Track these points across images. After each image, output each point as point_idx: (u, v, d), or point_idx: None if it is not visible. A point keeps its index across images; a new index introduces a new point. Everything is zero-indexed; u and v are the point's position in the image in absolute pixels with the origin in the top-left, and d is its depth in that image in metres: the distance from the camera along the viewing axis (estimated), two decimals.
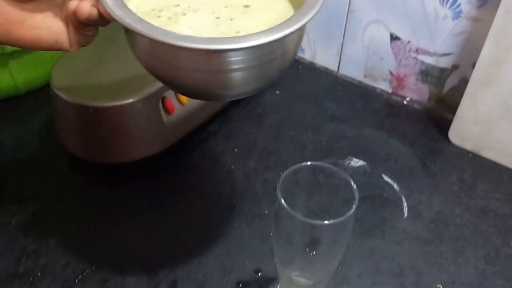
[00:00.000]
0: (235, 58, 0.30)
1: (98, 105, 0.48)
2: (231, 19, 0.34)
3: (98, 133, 0.50)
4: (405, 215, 0.51)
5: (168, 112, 0.52)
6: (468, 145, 0.59)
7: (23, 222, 0.48)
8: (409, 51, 0.62)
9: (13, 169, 0.54)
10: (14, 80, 0.61)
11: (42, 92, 0.65)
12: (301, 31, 0.33)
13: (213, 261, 0.45)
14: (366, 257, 0.46)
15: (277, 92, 0.68)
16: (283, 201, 0.31)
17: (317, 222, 0.30)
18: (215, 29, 0.33)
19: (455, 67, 0.60)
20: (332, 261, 0.34)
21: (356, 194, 0.32)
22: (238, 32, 0.33)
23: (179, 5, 0.35)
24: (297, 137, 0.60)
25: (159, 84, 0.50)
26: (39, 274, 0.44)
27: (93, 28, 0.34)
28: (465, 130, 0.58)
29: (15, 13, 0.32)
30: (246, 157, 0.57)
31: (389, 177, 0.55)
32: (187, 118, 0.55)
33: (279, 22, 0.31)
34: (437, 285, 0.44)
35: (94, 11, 0.31)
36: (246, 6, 0.35)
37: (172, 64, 0.31)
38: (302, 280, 0.37)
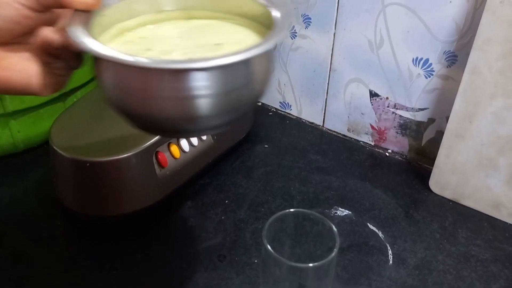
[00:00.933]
0: (200, 81, 0.29)
1: (95, 160, 0.51)
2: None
3: (94, 187, 0.52)
4: (390, 262, 0.53)
5: (161, 165, 0.55)
6: (448, 194, 0.62)
7: (17, 277, 0.49)
8: (388, 106, 0.67)
9: (9, 224, 0.56)
10: (14, 139, 0.64)
11: (39, 150, 0.67)
12: (268, 57, 0.34)
13: None
14: None
15: (266, 146, 0.71)
16: (269, 246, 0.33)
17: (302, 265, 0.32)
18: (181, 54, 0.34)
19: (431, 120, 0.64)
20: None
21: (337, 238, 0.35)
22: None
23: (151, 50, 0.35)
24: (285, 189, 0.62)
25: (153, 139, 0.53)
26: None
27: (65, 67, 0.33)
28: (444, 180, 0.61)
29: None
30: (236, 209, 0.59)
31: (374, 225, 0.57)
32: (179, 171, 0.57)
33: None
34: None
35: (61, 38, 0.31)
36: (218, 44, 0.36)
37: (139, 90, 0.30)
38: None
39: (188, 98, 0.30)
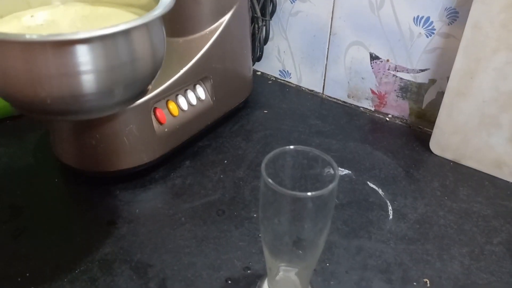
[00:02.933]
0: (84, 55, 0.29)
1: None
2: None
3: (92, 141, 0.51)
4: (391, 217, 0.52)
5: (159, 122, 0.54)
6: (448, 155, 0.61)
7: (15, 229, 0.49)
8: (388, 69, 0.66)
9: (6, 181, 0.55)
10: None
11: None
12: (149, 32, 0.35)
13: (203, 260, 0.46)
14: (353, 255, 0.47)
15: (265, 111, 0.71)
16: (268, 178, 0.33)
17: (301, 194, 0.32)
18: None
19: (432, 81, 0.64)
20: (317, 240, 0.35)
21: (337, 173, 0.34)
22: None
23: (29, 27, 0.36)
24: None
25: (150, 95, 0.53)
26: (27, 274, 0.44)
27: None
28: (444, 141, 0.61)
29: None
30: (235, 168, 0.59)
31: (374, 184, 0.57)
32: (178, 130, 0.57)
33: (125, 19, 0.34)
34: (424, 279, 0.45)
35: None
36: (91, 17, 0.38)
37: (24, 70, 0.29)
38: (290, 269, 0.38)
39: (73, 74, 0.30)
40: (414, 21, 0.61)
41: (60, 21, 0.40)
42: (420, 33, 0.61)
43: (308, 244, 0.36)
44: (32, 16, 0.40)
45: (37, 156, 0.59)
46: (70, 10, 0.43)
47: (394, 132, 0.67)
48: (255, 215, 0.51)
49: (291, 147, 0.36)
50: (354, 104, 0.73)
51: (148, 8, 0.40)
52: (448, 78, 0.59)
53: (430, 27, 0.60)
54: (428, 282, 0.44)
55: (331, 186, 0.33)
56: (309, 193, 0.32)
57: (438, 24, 0.59)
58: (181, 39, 0.60)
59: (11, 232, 0.48)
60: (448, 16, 0.58)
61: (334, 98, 0.74)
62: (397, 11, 0.61)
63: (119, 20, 0.41)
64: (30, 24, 0.39)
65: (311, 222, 0.34)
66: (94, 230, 0.49)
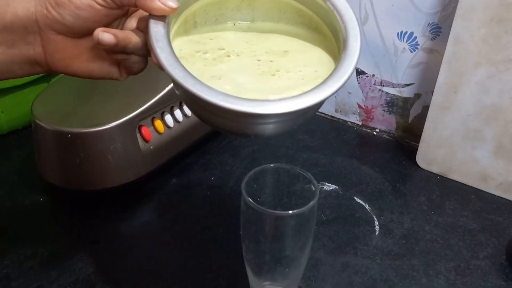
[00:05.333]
0: (272, 118, 0.31)
1: (76, 131, 0.50)
2: (271, 61, 0.36)
3: (76, 160, 0.51)
4: (377, 232, 0.52)
5: (145, 140, 0.54)
6: (435, 169, 0.61)
7: None
8: (374, 84, 0.67)
9: None
10: None
11: (23, 132, 0.67)
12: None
13: (189, 279, 0.46)
14: (338, 272, 0.47)
15: None
16: (248, 197, 0.33)
17: (281, 212, 0.32)
18: (256, 68, 0.35)
19: (417, 96, 0.64)
20: (299, 258, 0.35)
21: (317, 190, 0.34)
22: (278, 71, 0.35)
23: (223, 49, 0.36)
24: None
25: (135, 112, 0.53)
26: None
27: (138, 58, 0.34)
28: (431, 154, 0.61)
29: (71, 49, 0.34)
30: (222, 185, 0.58)
31: (361, 199, 0.57)
32: (164, 147, 0.57)
33: (315, 64, 0.34)
34: None
35: (111, 39, 0.31)
36: (286, 52, 0.37)
37: (212, 114, 0.32)
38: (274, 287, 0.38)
39: (255, 124, 0.33)
40: (398, 37, 0.61)
41: (232, 36, 0.39)
42: (404, 48, 0.62)
43: (290, 261, 0.36)
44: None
45: (22, 175, 0.59)
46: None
47: (381, 146, 0.68)
48: (240, 233, 0.51)
49: (272, 165, 0.36)
50: (342, 118, 0.73)
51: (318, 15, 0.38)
52: (432, 92, 0.60)
53: (413, 42, 0.61)
54: None
55: (311, 204, 0.33)
56: (289, 212, 0.32)
57: (422, 39, 0.60)
58: None
59: None
60: (431, 32, 0.59)
61: (322, 113, 0.74)
62: (381, 27, 0.62)
63: (294, 39, 0.39)
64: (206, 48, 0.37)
65: (292, 240, 0.34)
66: (78, 249, 0.49)
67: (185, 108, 0.60)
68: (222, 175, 0.60)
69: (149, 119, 0.55)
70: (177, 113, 0.58)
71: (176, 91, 0.34)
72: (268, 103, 0.30)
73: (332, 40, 0.37)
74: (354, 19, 0.34)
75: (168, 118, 0.57)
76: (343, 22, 0.34)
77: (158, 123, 0.56)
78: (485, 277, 0.47)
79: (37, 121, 0.51)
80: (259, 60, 0.36)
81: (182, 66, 0.30)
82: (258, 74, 0.34)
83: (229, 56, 0.36)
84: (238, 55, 0.36)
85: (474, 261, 0.49)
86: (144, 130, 0.54)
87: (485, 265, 0.48)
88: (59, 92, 0.57)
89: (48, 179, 0.54)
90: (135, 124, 0.53)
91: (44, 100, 0.55)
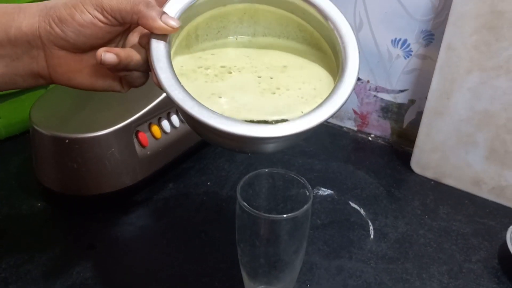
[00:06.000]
0: (268, 141, 0.33)
1: (74, 137, 0.50)
2: (271, 78, 0.37)
3: (74, 165, 0.52)
4: (372, 236, 0.53)
5: (141, 145, 0.55)
6: (429, 174, 0.62)
7: None
8: (369, 90, 0.67)
9: None
10: None
11: (21, 138, 0.67)
12: None
13: (184, 282, 0.46)
14: (333, 276, 0.47)
15: None
16: (243, 201, 0.33)
17: (276, 216, 0.32)
18: (257, 86, 0.36)
19: (411, 102, 0.65)
20: (294, 261, 0.36)
21: (311, 194, 0.35)
22: (278, 88, 0.35)
23: (225, 65, 0.37)
24: None
25: (132, 118, 0.53)
26: None
27: (139, 73, 0.35)
28: (425, 159, 0.62)
29: (74, 64, 0.35)
30: (218, 190, 0.59)
31: (356, 203, 0.57)
32: (161, 152, 0.57)
33: (314, 80, 0.35)
34: None
35: (113, 59, 0.32)
36: (285, 67, 0.38)
37: (211, 133, 0.33)
38: None
39: (254, 145, 0.34)
40: (392, 43, 0.62)
41: (233, 52, 0.39)
42: (398, 54, 0.63)
43: (285, 265, 0.36)
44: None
45: (20, 180, 0.59)
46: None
47: (376, 151, 0.68)
48: (236, 237, 0.51)
49: (266, 170, 0.37)
50: (338, 124, 0.74)
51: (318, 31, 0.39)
52: (426, 98, 0.61)
53: (407, 49, 0.62)
54: None
55: (305, 208, 0.33)
56: (284, 216, 0.33)
57: (415, 46, 0.61)
58: None
59: None
60: (424, 38, 0.60)
61: None
62: (375, 34, 0.63)
63: (293, 55, 0.39)
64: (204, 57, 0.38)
65: (287, 244, 0.35)
66: (75, 254, 0.49)
67: None
68: (218, 180, 0.61)
69: (146, 125, 0.56)
70: (174, 118, 0.59)
71: (178, 111, 0.35)
72: (266, 126, 0.30)
73: (331, 57, 0.38)
74: (354, 40, 0.35)
75: (165, 123, 0.58)
76: (343, 42, 0.35)
77: (155, 129, 0.56)
78: (477, 280, 0.47)
79: (35, 127, 0.52)
80: (260, 77, 0.36)
81: (182, 87, 0.31)
82: (259, 92, 0.35)
83: (230, 72, 0.36)
84: (239, 71, 0.37)
85: (467, 265, 0.49)
86: (141, 135, 0.55)
87: (477, 268, 0.49)
88: (57, 98, 0.57)
89: (45, 184, 0.55)
90: (132, 130, 0.54)
91: (42, 106, 0.56)
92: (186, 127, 0.61)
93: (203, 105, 0.30)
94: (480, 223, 0.55)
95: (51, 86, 0.68)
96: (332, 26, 0.36)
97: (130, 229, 0.53)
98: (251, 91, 0.35)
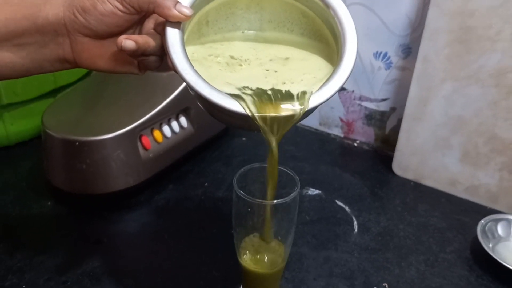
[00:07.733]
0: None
1: (83, 139, 0.55)
2: (276, 71, 0.40)
3: (83, 165, 0.56)
4: (356, 230, 0.57)
5: (145, 148, 0.60)
6: (409, 175, 0.67)
7: (10, 246, 0.53)
8: (354, 99, 0.73)
9: (1, 204, 0.60)
10: (6, 131, 0.68)
11: (30, 143, 0.72)
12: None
13: (184, 271, 0.50)
14: (320, 264, 0.52)
15: (244, 139, 0.76)
16: (239, 190, 0.38)
17: (267, 201, 0.37)
18: (265, 82, 0.38)
19: (392, 109, 0.70)
20: (284, 243, 0.40)
21: (298, 183, 0.40)
22: (284, 83, 0.38)
23: (233, 54, 0.40)
24: None
25: (136, 123, 0.58)
26: (23, 286, 0.48)
27: (155, 57, 0.38)
28: (405, 162, 0.67)
29: (96, 49, 0.38)
30: (215, 190, 0.64)
31: (342, 202, 0.62)
32: (162, 155, 0.62)
33: (314, 70, 0.38)
34: (383, 284, 0.50)
35: (132, 46, 0.35)
36: (287, 58, 0.41)
37: (221, 113, 0.36)
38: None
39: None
40: (374, 56, 0.68)
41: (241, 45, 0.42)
42: (379, 66, 0.68)
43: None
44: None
45: (30, 182, 0.64)
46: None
47: (361, 156, 0.74)
48: (233, 231, 0.56)
49: (259, 164, 0.42)
50: (325, 131, 0.79)
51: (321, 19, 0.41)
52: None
53: (388, 61, 0.67)
54: (387, 286, 0.49)
55: (293, 194, 0.38)
56: (274, 201, 0.37)
57: (395, 59, 0.67)
58: (165, 73, 0.66)
59: (7, 249, 0.52)
60: (402, 51, 0.66)
61: (307, 126, 0.80)
62: (359, 47, 0.68)
63: (296, 48, 0.42)
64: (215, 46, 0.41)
65: (278, 227, 0.39)
66: (83, 246, 0.54)
67: (181, 120, 0.65)
68: (215, 182, 0.65)
69: (148, 129, 0.61)
70: (174, 124, 0.64)
71: (190, 92, 0.37)
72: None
73: (332, 45, 0.41)
74: (352, 24, 0.38)
75: (166, 129, 0.63)
76: (341, 25, 0.38)
77: (157, 133, 0.61)
78: (451, 268, 0.52)
79: (47, 131, 0.57)
80: (267, 70, 0.39)
81: (195, 70, 0.34)
82: (268, 86, 0.37)
83: (241, 65, 0.39)
84: (248, 64, 0.40)
85: (442, 255, 0.54)
86: (144, 139, 0.60)
87: (451, 258, 0.54)
88: (67, 105, 0.62)
89: (55, 184, 0.59)
90: (136, 134, 0.59)
91: (53, 111, 0.60)
92: (185, 132, 0.66)
93: (215, 87, 0.33)
94: (456, 219, 0.60)
95: (60, 94, 0.73)
96: (332, 13, 0.39)
97: (134, 225, 0.57)
98: (261, 85, 0.37)
